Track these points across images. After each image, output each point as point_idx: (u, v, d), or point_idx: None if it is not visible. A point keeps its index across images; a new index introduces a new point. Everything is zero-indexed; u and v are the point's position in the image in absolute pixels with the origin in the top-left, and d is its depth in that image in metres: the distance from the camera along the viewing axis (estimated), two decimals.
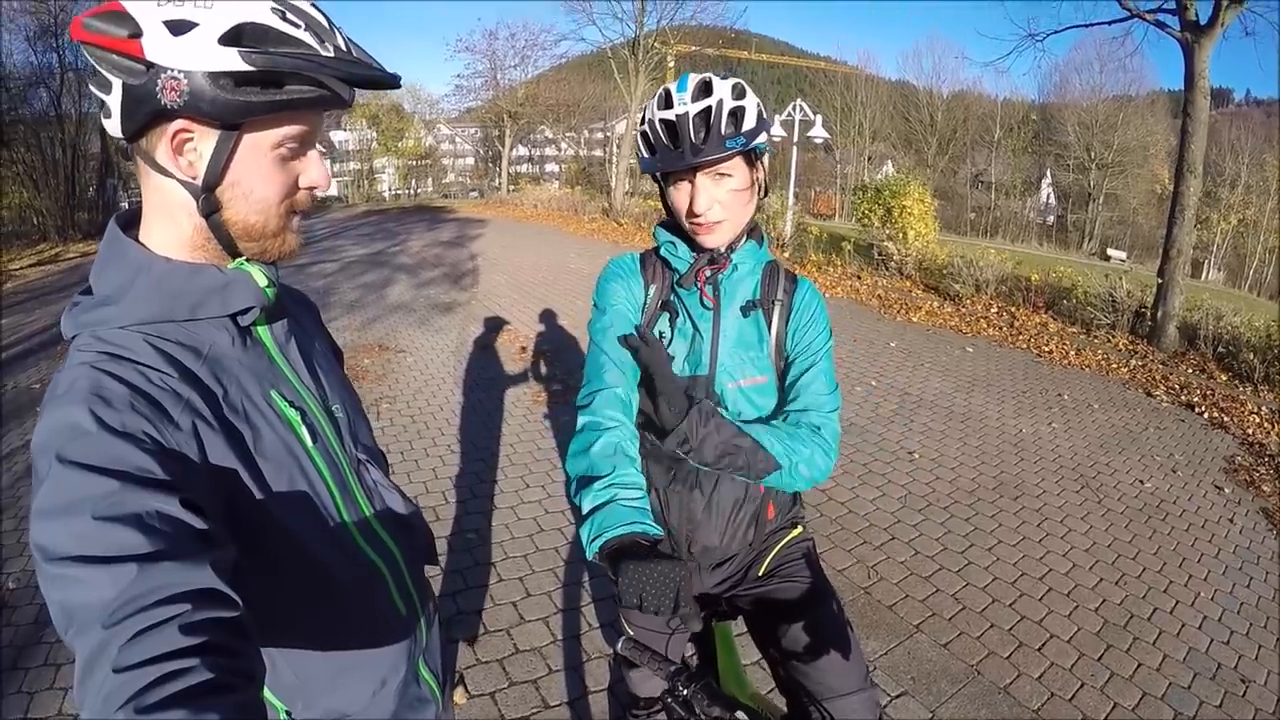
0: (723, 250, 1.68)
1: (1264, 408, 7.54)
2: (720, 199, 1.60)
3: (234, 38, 0.90)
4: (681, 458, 1.60)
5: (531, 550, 4.16)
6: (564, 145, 49.83)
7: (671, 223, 1.73)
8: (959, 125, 52.17)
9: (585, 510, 1.42)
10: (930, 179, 39.12)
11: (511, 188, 38.85)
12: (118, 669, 0.70)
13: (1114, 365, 8.86)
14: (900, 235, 14.31)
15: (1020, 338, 9.95)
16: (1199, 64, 9.67)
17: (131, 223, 1.06)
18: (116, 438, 0.86)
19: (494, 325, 9.33)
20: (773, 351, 1.75)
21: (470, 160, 51.87)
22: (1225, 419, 7.20)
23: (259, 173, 1.00)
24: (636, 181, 27.94)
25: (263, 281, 1.08)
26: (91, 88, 0.95)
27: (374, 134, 44.24)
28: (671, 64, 27.43)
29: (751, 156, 1.62)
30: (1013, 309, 11.31)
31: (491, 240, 18.84)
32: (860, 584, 4.02)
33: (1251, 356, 8.55)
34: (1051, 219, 51.91)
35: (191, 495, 0.86)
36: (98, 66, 0.92)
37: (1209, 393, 7.96)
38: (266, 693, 1.14)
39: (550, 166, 51.53)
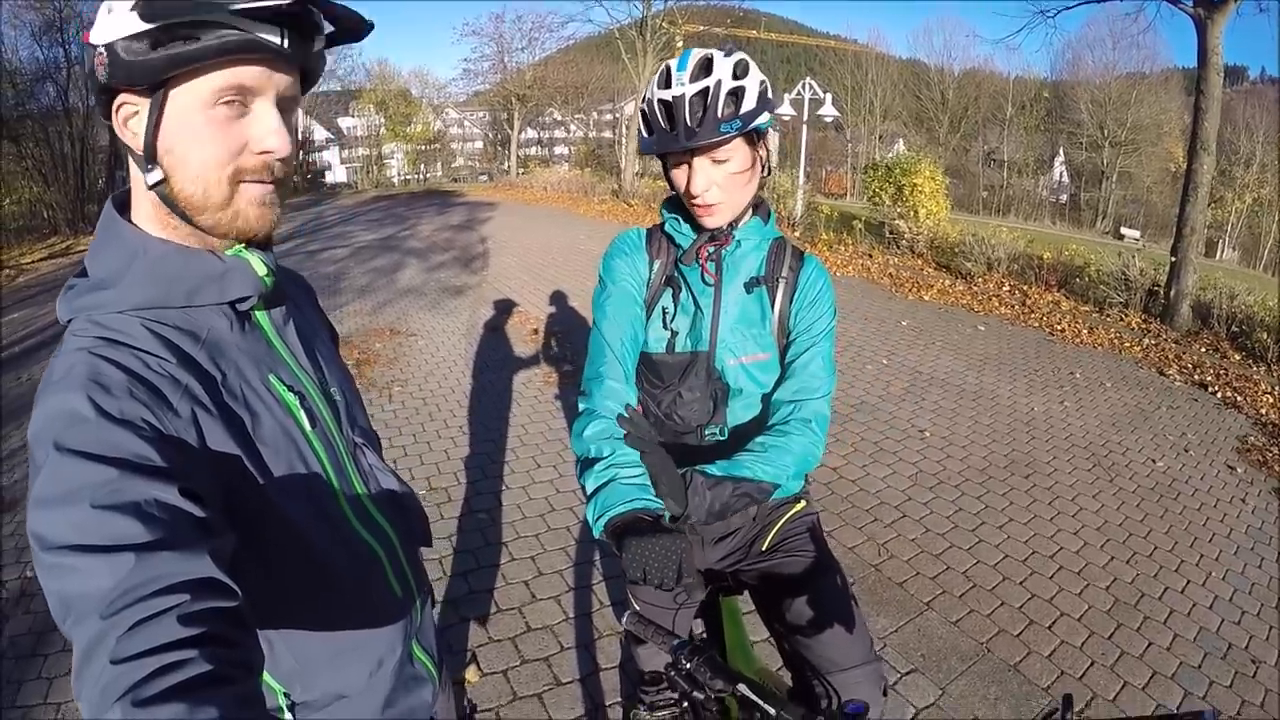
0: (724, 227, 1.68)
1: (1277, 388, 7.49)
2: (718, 180, 1.59)
3: (145, 2, 0.89)
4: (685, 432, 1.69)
5: (543, 529, 4.18)
6: (573, 127, 49.70)
7: (677, 199, 1.72)
8: (970, 103, 51.86)
9: (589, 491, 1.46)
10: (942, 157, 38.89)
11: (521, 170, 38.77)
12: (115, 660, 0.70)
13: (1127, 344, 8.82)
14: (911, 213, 14.25)
15: (1032, 316, 9.90)
16: (1212, 41, 9.56)
17: (128, 203, 1.05)
18: (115, 425, 0.85)
19: (505, 307, 9.34)
20: (775, 329, 1.75)
21: (479, 144, 51.83)
22: (1238, 399, 7.16)
23: (190, 135, 0.95)
24: (646, 162, 27.79)
25: (261, 270, 1.06)
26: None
27: (382, 120, 44.17)
28: (679, 44, 27.26)
29: (753, 136, 1.59)
30: (1025, 287, 11.25)
31: (501, 223, 18.80)
32: (871, 561, 4.03)
33: (1265, 336, 8.51)
34: (1064, 197, 51.56)
35: (190, 483, 0.86)
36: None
37: (1222, 372, 7.92)
38: (265, 676, 1.14)
39: (559, 149, 51.39)
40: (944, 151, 47.28)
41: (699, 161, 1.57)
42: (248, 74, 0.94)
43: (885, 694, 1.70)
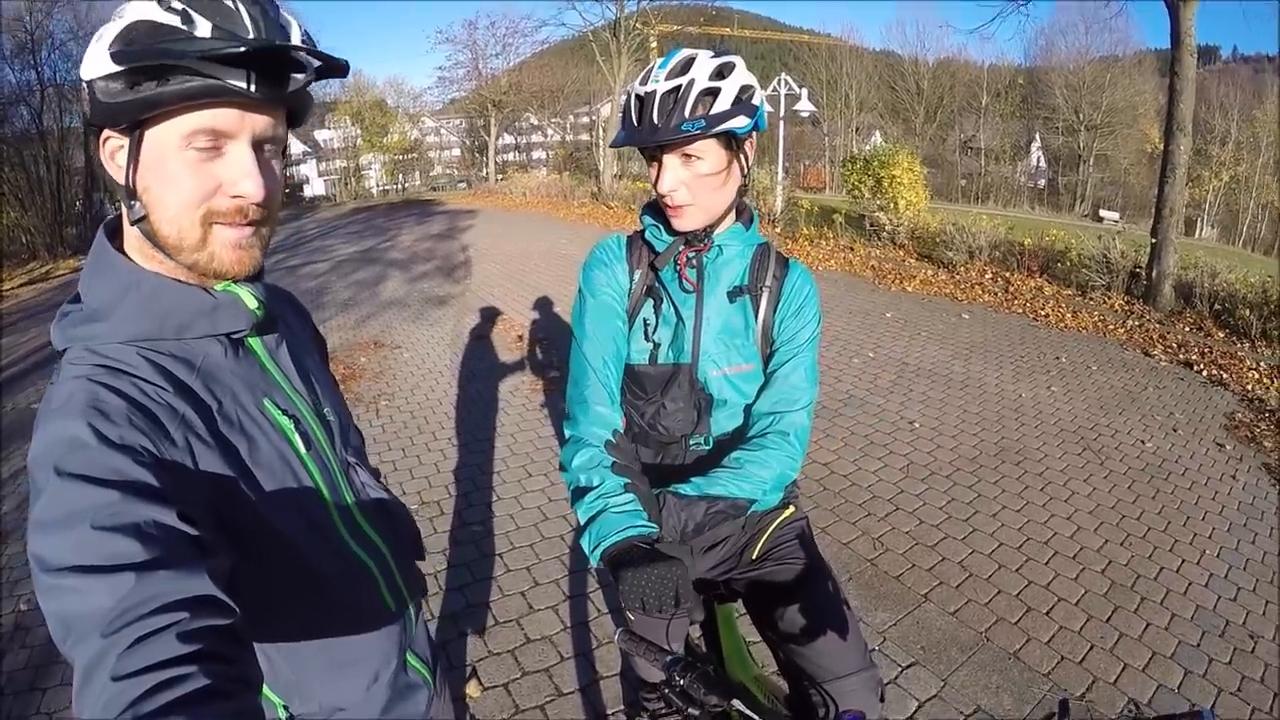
0: (700, 233, 1.65)
1: (1262, 363, 7.54)
2: (686, 181, 1.55)
3: (127, 41, 0.90)
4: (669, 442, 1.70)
5: (537, 539, 4.16)
6: (550, 131, 49.60)
7: (657, 204, 1.69)
8: (946, 93, 51.95)
9: (582, 521, 1.49)
10: (919, 147, 38.97)
11: (499, 176, 38.68)
12: (116, 677, 0.71)
13: (1111, 326, 8.86)
14: (891, 205, 14.29)
15: (1016, 302, 9.94)
16: (1184, 22, 9.62)
17: (118, 231, 1.06)
18: (115, 450, 0.86)
19: (489, 315, 9.32)
20: (759, 339, 1.73)
21: (457, 152, 51.65)
22: (1224, 376, 7.20)
23: (164, 176, 0.95)
24: (625, 164, 27.84)
25: (252, 303, 1.08)
26: None
27: (358, 131, 43.99)
28: (654, 45, 27.29)
29: (730, 140, 1.55)
30: (1007, 274, 11.29)
31: (482, 230, 18.78)
32: (866, 556, 4.03)
33: (1248, 312, 8.56)
34: (1042, 182, 51.74)
35: (187, 507, 0.87)
36: None
37: (1207, 350, 7.96)
38: (266, 690, 1.17)
39: (537, 153, 51.28)
40: (921, 141, 47.39)
41: (668, 159, 1.55)
42: (220, 117, 0.94)
43: (882, 699, 1.69)
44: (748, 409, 1.75)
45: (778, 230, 15.60)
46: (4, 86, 21.91)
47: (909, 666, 3.23)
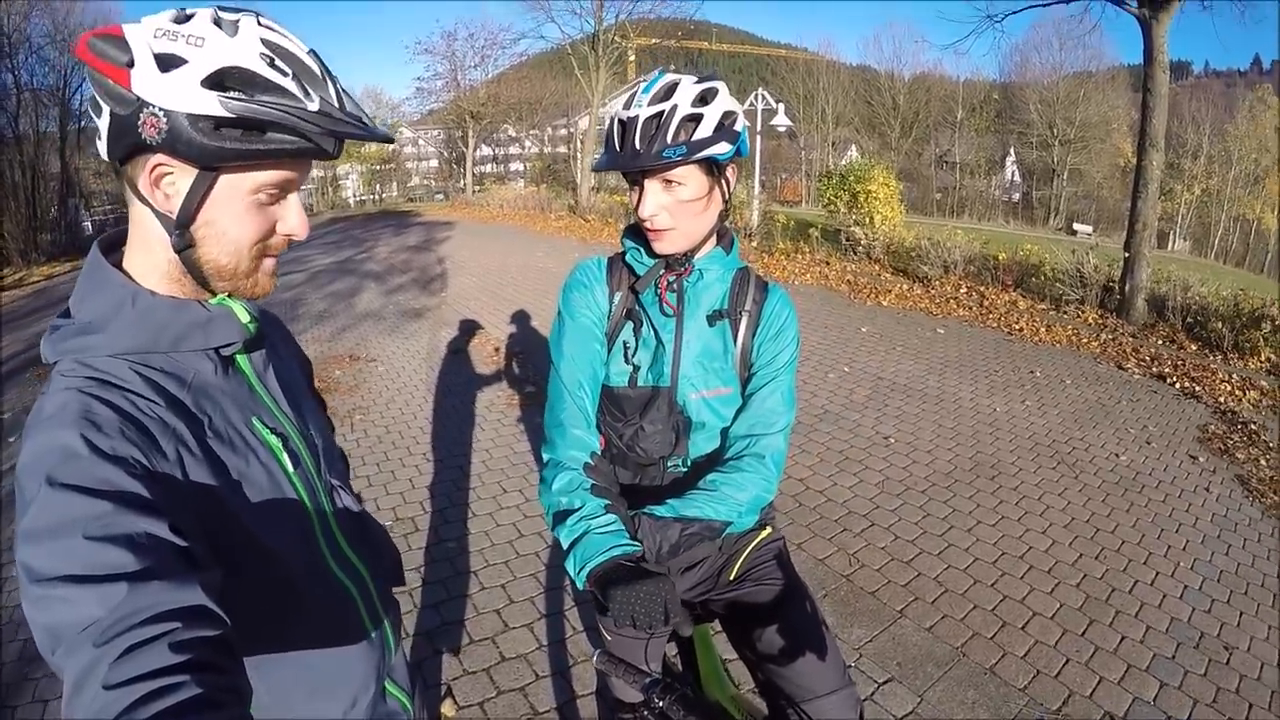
0: (681, 257, 1.65)
1: (1234, 375, 7.63)
2: (667, 206, 1.56)
3: (217, 81, 0.91)
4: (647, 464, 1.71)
5: (512, 556, 4.13)
6: (528, 143, 49.58)
7: (638, 227, 1.69)
8: (921, 108, 52.41)
9: (565, 545, 1.47)
10: (895, 162, 39.37)
11: (477, 188, 38.57)
12: (108, 686, 0.71)
13: (1084, 340, 8.93)
14: (867, 219, 14.40)
15: (990, 317, 10.01)
16: (1157, 39, 9.74)
17: (114, 247, 1.08)
18: (107, 462, 0.86)
19: (465, 329, 9.28)
20: (738, 363, 1.73)
21: (434, 163, 51.53)
22: (1197, 388, 7.28)
23: (233, 215, 1.00)
24: (602, 177, 27.88)
25: (245, 318, 1.10)
26: (89, 109, 0.96)
27: None
28: (632, 58, 27.44)
29: (710, 166, 1.55)
30: (982, 288, 11.37)
31: (459, 243, 18.74)
32: (842, 572, 4.02)
33: (1220, 325, 8.65)
34: (1017, 196, 52.25)
35: (178, 521, 0.87)
36: (94, 90, 0.93)
37: (1180, 363, 8.04)
38: None
39: (515, 165, 51.23)
40: (897, 156, 47.77)
41: (650, 184, 1.55)
42: (296, 170, 1.04)
43: (861, 717, 1.68)
44: (725, 432, 1.75)
45: (754, 245, 15.65)
46: None
47: (885, 683, 3.22)
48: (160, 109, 0.89)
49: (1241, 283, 9.91)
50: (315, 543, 1.19)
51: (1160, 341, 8.93)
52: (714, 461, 1.73)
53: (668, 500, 1.61)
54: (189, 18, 0.93)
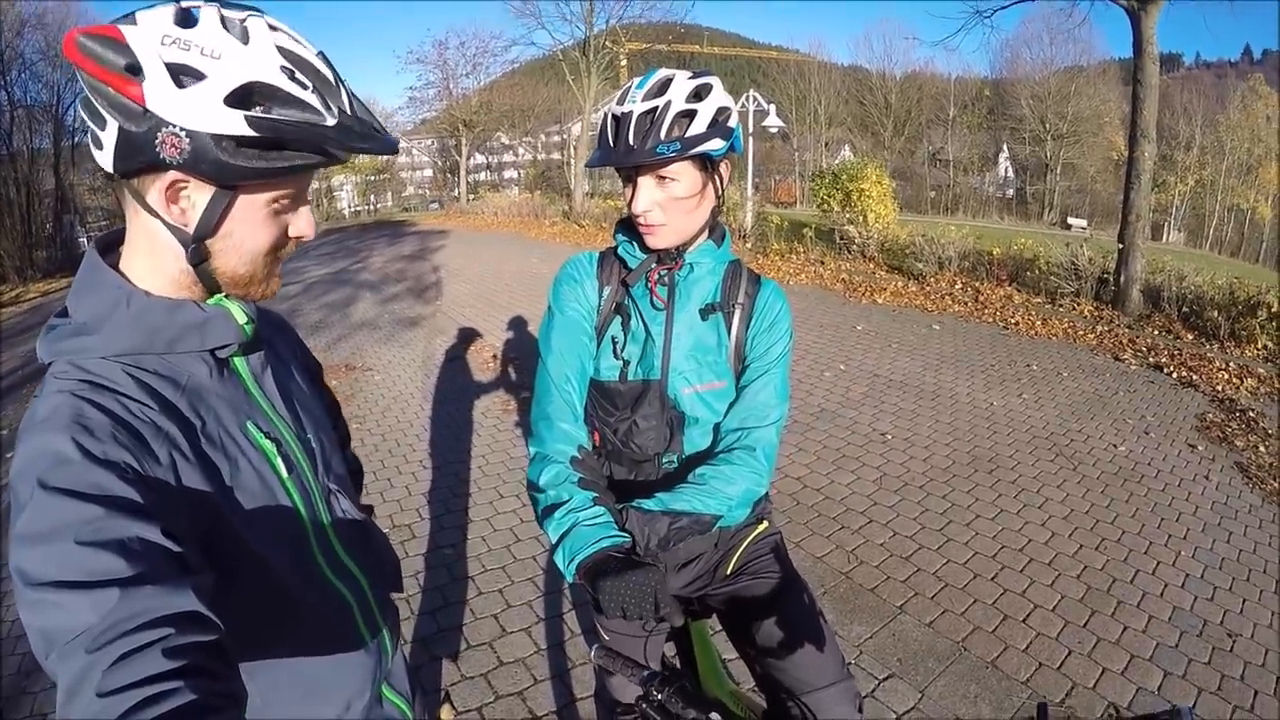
0: (673, 250, 1.64)
1: (1231, 363, 7.64)
2: (660, 201, 1.55)
3: (241, 98, 0.89)
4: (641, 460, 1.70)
5: (509, 561, 4.11)
6: (521, 151, 49.62)
7: (631, 221, 1.68)
8: (913, 106, 52.55)
9: (553, 539, 1.47)
10: (888, 160, 39.48)
11: (471, 196, 38.58)
12: (101, 693, 0.71)
13: (1081, 332, 8.94)
14: (861, 218, 14.42)
15: (986, 311, 10.01)
16: (1146, 31, 9.77)
17: (110, 248, 1.06)
18: (99, 466, 0.86)
19: (461, 336, 9.26)
20: (731, 356, 1.72)
21: (428, 172, 51.57)
22: (1194, 377, 7.28)
23: (251, 228, 1.01)
24: (596, 183, 27.92)
25: (241, 319, 1.08)
26: (82, 112, 0.93)
27: None
28: (624, 63, 27.47)
29: (704, 162, 1.55)
30: (977, 284, 11.38)
31: (454, 251, 18.73)
32: (840, 569, 4.00)
33: (1216, 314, 8.67)
34: (1010, 192, 52.35)
35: (171, 525, 0.87)
36: (91, 97, 0.89)
37: (1176, 353, 8.05)
38: None
39: (509, 173, 51.28)
40: (890, 155, 47.92)
41: (643, 180, 1.54)
42: (307, 180, 1.06)
43: (860, 710, 1.67)
44: (719, 427, 1.74)
45: (748, 246, 15.65)
46: None
47: (886, 679, 3.20)
48: (182, 129, 0.87)
49: (1237, 272, 9.95)
50: (309, 549, 1.18)
51: (1156, 332, 8.94)
52: (709, 457, 1.72)
53: (656, 494, 1.60)
54: (194, 19, 0.89)
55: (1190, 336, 8.69)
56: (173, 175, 0.92)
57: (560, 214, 25.80)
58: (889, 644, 3.42)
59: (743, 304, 1.72)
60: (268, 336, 1.22)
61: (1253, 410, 6.37)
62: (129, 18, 0.89)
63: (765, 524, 1.91)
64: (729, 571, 1.86)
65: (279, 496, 1.12)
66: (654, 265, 1.67)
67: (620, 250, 1.72)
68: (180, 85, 0.86)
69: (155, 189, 0.94)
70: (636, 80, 1.55)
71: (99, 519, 0.80)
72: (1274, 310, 8.38)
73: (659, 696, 1.26)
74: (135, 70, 0.86)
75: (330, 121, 0.95)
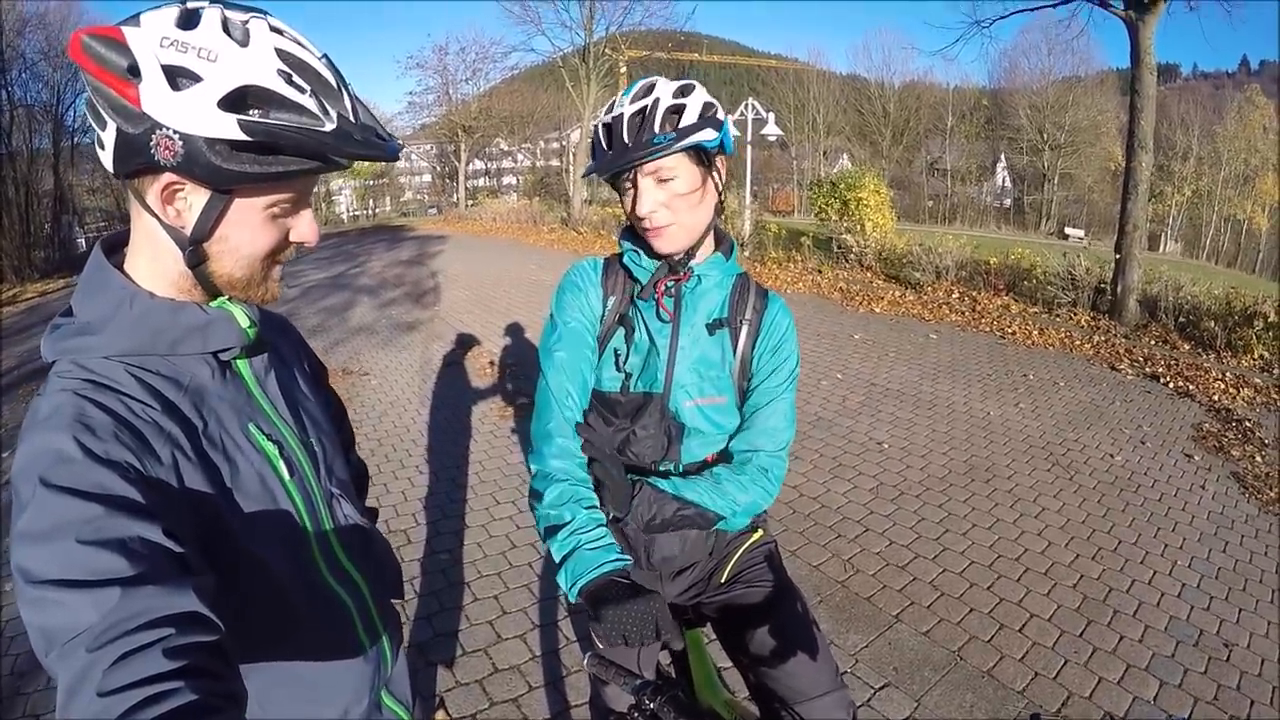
0: (682, 258, 1.63)
1: (1228, 373, 7.64)
2: (664, 201, 1.53)
3: (235, 101, 0.89)
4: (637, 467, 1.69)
5: (505, 567, 4.10)
6: (520, 157, 49.69)
7: (635, 230, 1.67)
8: (912, 115, 52.69)
9: (556, 559, 1.47)
10: (886, 170, 39.63)
11: (470, 202, 38.62)
12: (102, 692, 0.71)
13: (1077, 342, 8.94)
14: (858, 227, 14.45)
15: (983, 321, 10.02)
16: (1144, 41, 9.80)
17: (115, 248, 1.06)
18: (101, 465, 0.86)
19: (458, 342, 9.25)
20: (736, 373, 1.71)
21: (427, 177, 51.65)
22: (1190, 387, 7.29)
23: (248, 231, 1.00)
24: (594, 189, 27.92)
25: (244, 322, 1.09)
26: (87, 114, 0.94)
27: None
28: (623, 70, 27.48)
29: (701, 156, 1.54)
30: (974, 293, 11.40)
31: (452, 256, 18.74)
32: (837, 578, 4.00)
33: (1212, 324, 8.68)
34: (1008, 201, 52.56)
35: (172, 525, 0.87)
36: (94, 98, 0.90)
37: (1173, 363, 8.06)
38: None
39: (508, 179, 51.38)
40: (888, 164, 48.11)
41: (644, 182, 1.53)
42: (308, 185, 1.05)
43: (854, 719, 1.66)
44: (718, 439, 1.74)
45: (746, 254, 15.66)
46: None
47: (882, 688, 3.20)
48: (175, 131, 0.87)
49: (1233, 282, 9.98)
50: (309, 553, 1.18)
51: (1153, 342, 8.95)
52: (705, 467, 1.72)
53: (672, 478, 1.64)
54: (196, 21, 0.89)
55: (1187, 346, 8.70)
56: (169, 177, 0.92)
57: (559, 220, 25.83)
58: (885, 653, 3.42)
59: (750, 320, 1.71)
60: (271, 339, 1.22)
61: (1249, 420, 6.38)
62: (134, 19, 0.89)
63: (760, 532, 1.91)
64: (723, 580, 1.85)
65: (280, 499, 1.12)
66: (664, 274, 1.65)
67: (626, 259, 1.70)
68: (175, 87, 0.86)
69: (153, 190, 0.94)
70: (621, 92, 1.56)
71: (100, 518, 0.81)
72: (1270, 320, 8.38)
73: (651, 706, 1.26)
74: (134, 72, 0.86)
75: (328, 127, 0.94)
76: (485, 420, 6.47)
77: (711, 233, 1.67)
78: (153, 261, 1.02)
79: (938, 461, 5.51)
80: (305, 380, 1.35)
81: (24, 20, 21.92)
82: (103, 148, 0.92)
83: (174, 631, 0.76)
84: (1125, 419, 6.44)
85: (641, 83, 1.53)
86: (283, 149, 0.92)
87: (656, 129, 1.47)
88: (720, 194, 1.64)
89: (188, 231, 0.97)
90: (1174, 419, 6.49)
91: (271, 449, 1.12)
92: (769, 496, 1.69)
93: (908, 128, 52.72)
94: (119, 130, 0.88)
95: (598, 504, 1.56)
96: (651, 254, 1.65)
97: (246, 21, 0.92)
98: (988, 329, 9.68)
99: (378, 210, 45.64)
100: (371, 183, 45.75)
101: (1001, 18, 12.80)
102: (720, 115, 1.55)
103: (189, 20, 0.89)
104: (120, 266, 1.03)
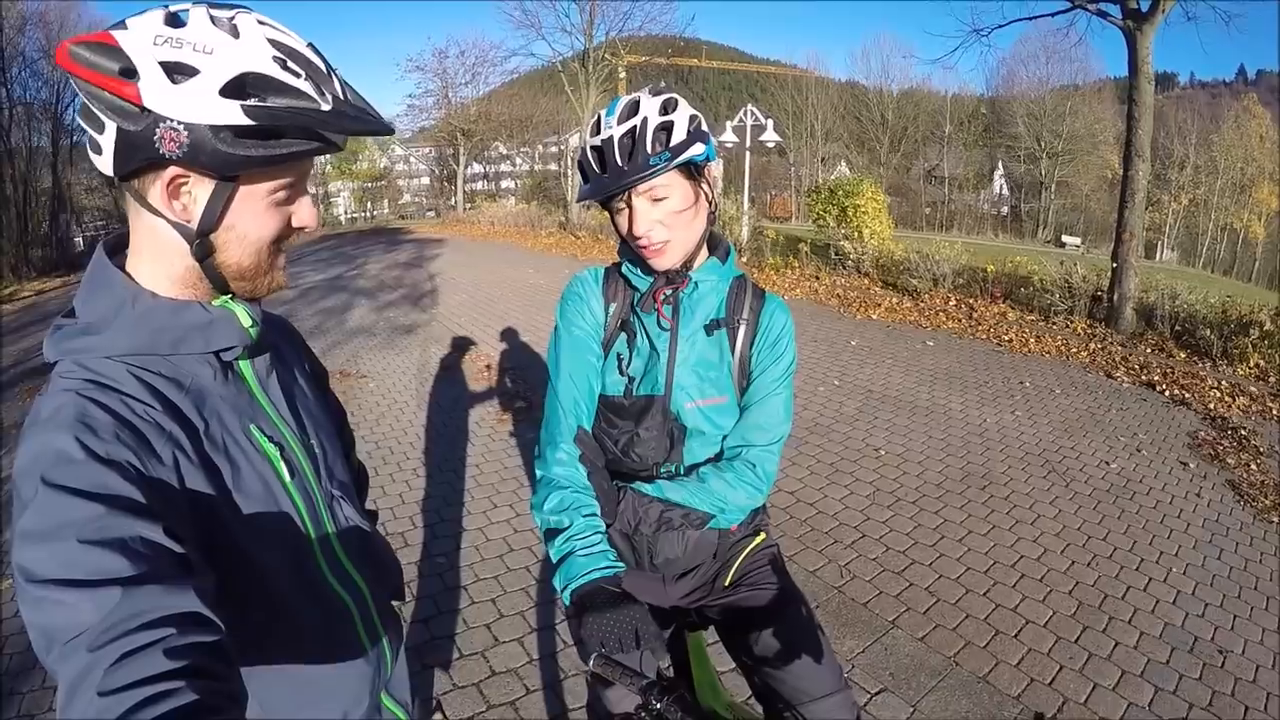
0: (678, 269, 1.65)
1: (1224, 382, 7.66)
2: (660, 219, 1.56)
3: (236, 89, 0.90)
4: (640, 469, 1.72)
5: (502, 570, 4.11)
6: (519, 160, 49.68)
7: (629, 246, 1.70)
8: (910, 122, 52.68)
9: (554, 561, 1.51)
10: (883, 177, 39.68)
11: (468, 206, 38.57)
12: (103, 692, 0.71)
13: (1074, 350, 8.96)
14: (856, 234, 14.46)
15: (980, 328, 10.03)
16: (1142, 50, 9.82)
17: (117, 249, 1.06)
18: (102, 465, 0.86)
19: (456, 345, 9.25)
20: (735, 371, 1.73)
21: (426, 180, 51.61)
22: (1186, 395, 7.30)
23: (254, 218, 1.02)
24: None
25: (246, 321, 1.09)
26: (80, 120, 0.95)
27: (327, 158, 43.86)
28: (623, 75, 27.53)
29: (691, 171, 1.57)
30: (971, 300, 11.40)
31: (450, 259, 18.73)
32: (833, 583, 4.00)
33: (1209, 332, 8.70)
34: (1005, 209, 52.61)
35: (173, 526, 0.87)
36: (88, 103, 0.91)
37: (1169, 371, 8.07)
38: None
39: (506, 183, 51.34)
40: (886, 171, 48.11)
41: (638, 202, 1.55)
42: (306, 168, 1.07)
43: None
44: (721, 439, 1.76)
45: (744, 260, 15.66)
46: None
47: (878, 693, 3.20)
48: (179, 122, 0.88)
49: (1229, 291, 10.01)
50: (310, 554, 1.18)
51: (1149, 350, 8.96)
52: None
53: (657, 481, 1.67)
54: (184, 19, 0.90)
55: (1183, 355, 8.72)
56: (173, 171, 0.93)
57: (557, 225, 25.82)
58: (881, 659, 3.42)
59: (747, 319, 1.74)
60: (273, 340, 1.22)
61: (1244, 428, 6.40)
62: (119, 25, 0.90)
63: (763, 536, 1.93)
64: (728, 583, 1.87)
65: (281, 501, 1.12)
66: (662, 284, 1.68)
67: (625, 271, 1.73)
68: (175, 81, 0.88)
69: (156, 187, 0.95)
70: (604, 111, 1.57)
71: (102, 518, 0.81)
72: (1266, 329, 8.41)
73: (658, 706, 1.27)
74: (130, 72, 0.87)
75: (325, 107, 0.96)
76: (483, 423, 6.47)
77: (706, 240, 1.70)
78: (155, 261, 1.02)
79: (934, 468, 5.52)
80: (306, 382, 1.35)
81: (24, 18, 21.93)
82: (99, 151, 0.93)
83: (175, 631, 0.76)
84: (1121, 427, 6.45)
85: (625, 101, 1.54)
86: (285, 131, 0.94)
87: (649, 149, 1.48)
88: (712, 203, 1.66)
89: (194, 225, 0.98)
90: (1170, 427, 6.51)
91: (273, 450, 1.12)
92: (758, 492, 1.71)
93: (905, 135, 52.72)
94: (119, 130, 0.89)
95: (597, 511, 1.58)
96: (648, 269, 1.67)
97: (233, 17, 0.94)
98: (984, 336, 9.69)
99: (376, 213, 45.60)
100: (370, 186, 45.72)
101: (1000, 26, 12.80)
102: (704, 127, 1.57)
103: (176, 20, 0.90)
104: (122, 268, 1.03)
